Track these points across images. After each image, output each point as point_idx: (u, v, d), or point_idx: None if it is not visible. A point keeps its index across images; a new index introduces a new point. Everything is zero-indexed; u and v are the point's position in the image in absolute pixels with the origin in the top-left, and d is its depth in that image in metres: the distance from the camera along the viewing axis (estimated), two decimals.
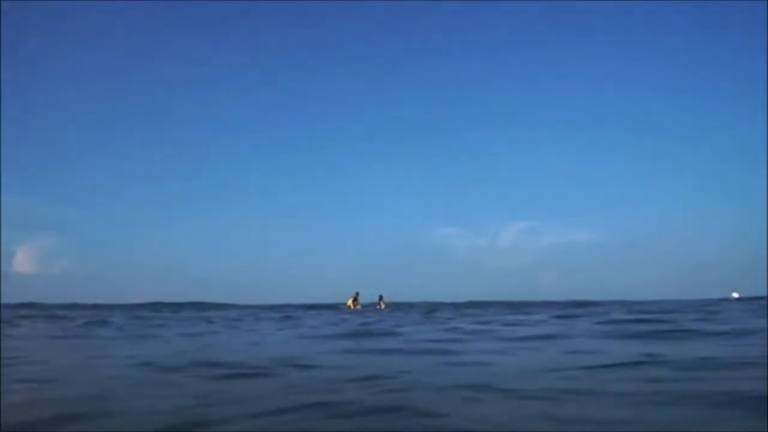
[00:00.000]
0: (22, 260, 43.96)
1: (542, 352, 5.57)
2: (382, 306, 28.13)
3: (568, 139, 53.98)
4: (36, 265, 45.57)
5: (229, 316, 17.22)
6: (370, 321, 12.94)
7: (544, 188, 53.05)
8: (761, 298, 30.32)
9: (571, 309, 20.28)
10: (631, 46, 52.98)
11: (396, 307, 29.57)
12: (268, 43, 57.35)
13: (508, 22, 55.06)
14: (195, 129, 58.57)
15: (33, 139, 54.65)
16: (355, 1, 56.29)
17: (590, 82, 53.30)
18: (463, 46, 56.74)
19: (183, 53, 57.74)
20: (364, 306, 28.54)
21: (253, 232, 53.10)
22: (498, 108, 56.15)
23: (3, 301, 32.89)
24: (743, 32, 49.67)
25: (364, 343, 7.20)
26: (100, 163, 56.41)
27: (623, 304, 27.59)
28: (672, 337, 6.88)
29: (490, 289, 52.10)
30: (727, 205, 46.70)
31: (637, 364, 4.10)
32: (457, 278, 44.84)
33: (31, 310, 26.28)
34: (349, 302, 28.83)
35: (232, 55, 57.43)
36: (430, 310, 22.94)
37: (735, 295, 33.31)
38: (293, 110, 56.33)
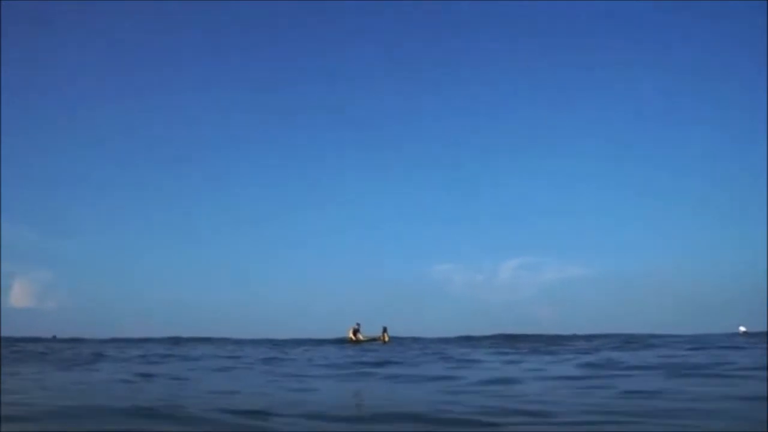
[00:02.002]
0: (18, 294, 42.33)
1: None
2: (386, 338, 27.07)
3: (564, 174, 53.66)
4: (32, 299, 43.92)
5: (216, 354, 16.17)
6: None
7: (541, 224, 52.31)
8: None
9: (613, 343, 19.52)
10: (625, 78, 53.19)
11: (397, 342, 28.45)
12: (275, 80, 56.96)
13: (502, 53, 55.22)
14: (194, 161, 57.62)
15: (27, 171, 53.28)
16: (354, 34, 56.38)
17: (587, 116, 53.44)
18: (458, 80, 56.82)
19: (185, 83, 57.22)
20: (366, 338, 27.47)
21: (244, 267, 51.75)
22: (495, 143, 55.83)
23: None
24: (736, 59, 50.19)
25: None
26: (98, 195, 55.12)
27: (637, 338, 26.80)
28: None
29: (491, 323, 50.81)
30: (730, 238, 46.41)
31: None
32: (455, 313, 43.75)
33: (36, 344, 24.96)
34: (350, 334, 27.70)
35: (237, 90, 57.01)
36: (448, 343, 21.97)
37: (742, 329, 32.68)
38: (285, 148, 55.68)
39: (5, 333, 33.75)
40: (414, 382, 6.82)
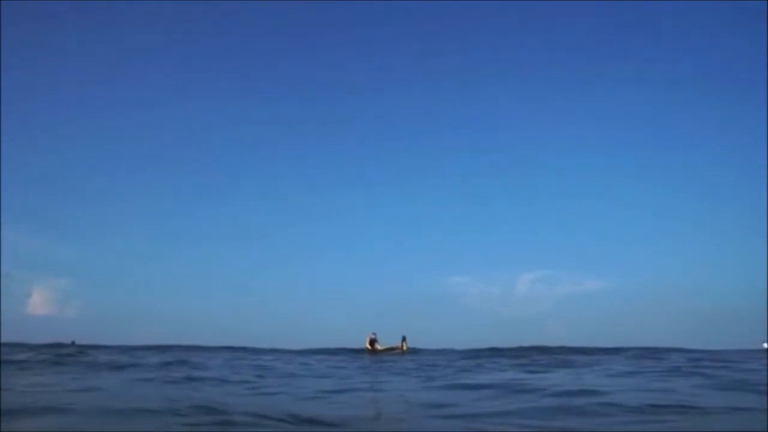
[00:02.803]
0: (37, 302, 42.97)
1: None
2: (404, 348, 26.33)
3: (581, 189, 52.49)
4: (51, 306, 44.52)
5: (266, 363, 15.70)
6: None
7: (557, 238, 51.28)
8: None
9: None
10: (642, 99, 52.19)
11: (416, 353, 27.65)
12: (285, 88, 56.98)
13: (522, 66, 54.43)
14: (211, 171, 57.86)
15: (45, 180, 54.10)
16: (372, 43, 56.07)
17: (602, 129, 52.28)
18: (477, 92, 56.13)
19: (196, 92, 57.66)
20: (384, 347, 26.73)
21: (257, 276, 51.61)
22: (512, 156, 54.95)
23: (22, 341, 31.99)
24: (742, 82, 48.85)
25: None
26: (113, 203, 55.67)
27: (660, 351, 25.61)
28: None
29: (510, 336, 49.79)
30: (746, 253, 44.88)
31: None
32: (469, 326, 42.88)
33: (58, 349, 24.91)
34: (368, 344, 26.94)
35: (246, 99, 57.22)
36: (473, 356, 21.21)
37: (766, 345, 31.47)
38: (295, 159, 55.49)
39: (24, 339, 34.20)
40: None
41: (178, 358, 15.36)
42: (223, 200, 56.46)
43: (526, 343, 30.69)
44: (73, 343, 35.39)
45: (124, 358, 15.98)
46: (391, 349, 26.41)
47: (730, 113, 50.26)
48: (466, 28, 53.90)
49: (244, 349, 30.52)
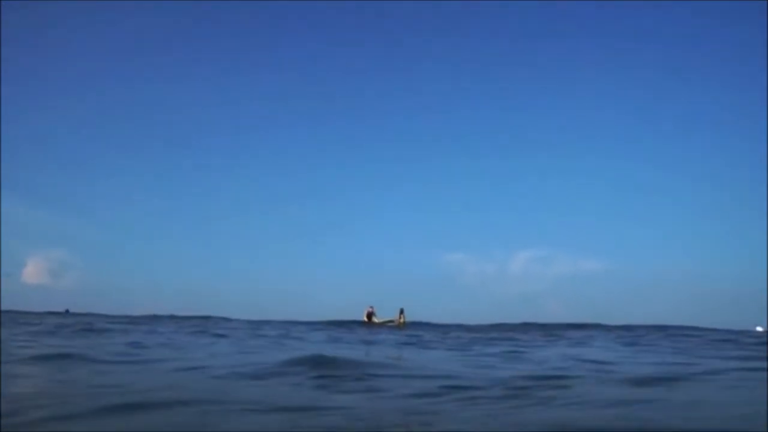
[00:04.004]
0: (32, 272, 42.85)
1: None
2: (402, 321, 25.51)
3: (581, 169, 51.14)
4: (46, 277, 44.40)
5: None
6: None
7: (553, 217, 50.26)
8: None
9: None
10: (646, 84, 50.44)
11: (414, 326, 26.85)
12: (289, 58, 55.39)
13: (519, 50, 52.60)
14: (212, 143, 56.77)
15: (40, 150, 53.33)
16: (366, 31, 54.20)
17: (600, 109, 50.55)
18: (472, 74, 54.38)
19: (200, 60, 56.25)
20: (381, 320, 25.99)
21: (258, 247, 51.02)
22: (509, 136, 53.55)
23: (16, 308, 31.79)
24: (743, 65, 47.03)
25: None
26: (112, 175, 54.93)
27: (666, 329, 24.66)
28: None
29: (505, 313, 49.35)
30: (743, 237, 43.77)
31: None
32: (466, 303, 42.28)
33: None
34: (365, 317, 26.36)
35: (254, 67, 55.77)
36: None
37: (759, 329, 30.44)
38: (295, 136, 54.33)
39: (17, 307, 33.98)
40: None
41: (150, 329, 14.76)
42: (223, 176, 55.67)
43: (526, 320, 30.08)
44: (66, 311, 35.05)
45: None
46: (389, 322, 25.65)
47: (732, 95, 48.59)
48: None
49: (249, 321, 29.91)
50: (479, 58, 55.02)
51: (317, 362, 4.88)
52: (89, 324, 15.19)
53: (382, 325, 25.09)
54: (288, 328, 18.68)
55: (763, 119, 42.73)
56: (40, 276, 43.62)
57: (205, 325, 18.64)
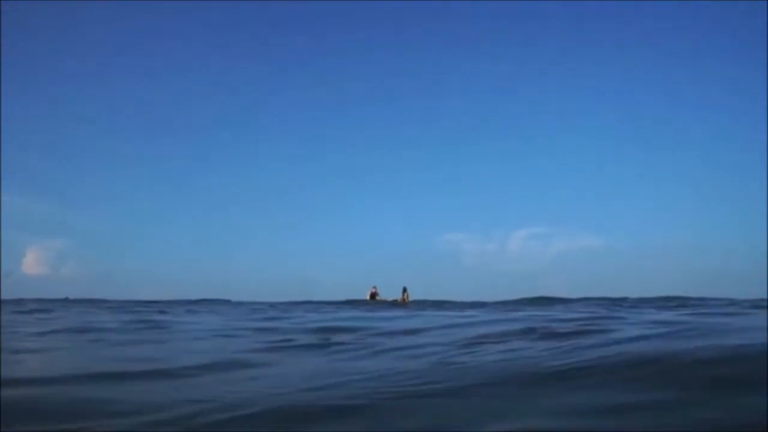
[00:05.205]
0: (31, 262, 42.60)
1: None
2: (406, 299, 25.18)
3: (573, 148, 50.51)
4: (45, 267, 44.17)
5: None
6: None
7: (551, 195, 49.79)
8: None
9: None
10: (641, 59, 49.46)
11: (418, 304, 26.53)
12: (282, 47, 54.39)
13: (515, 33, 51.60)
14: (208, 131, 56.04)
15: (40, 142, 52.66)
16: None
17: (596, 89, 49.63)
18: (468, 54, 53.39)
19: (194, 54, 55.25)
20: (384, 300, 25.70)
21: (259, 232, 50.59)
22: (506, 116, 52.94)
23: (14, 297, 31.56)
24: (740, 43, 46.04)
25: None
26: (110, 166, 54.31)
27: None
28: None
29: (506, 290, 49.35)
30: (750, 212, 43.38)
31: None
32: (467, 281, 42.05)
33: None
34: (368, 297, 26.11)
35: (245, 58, 54.72)
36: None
37: None
38: (292, 121, 53.60)
39: (17, 295, 33.76)
40: None
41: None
42: (223, 162, 55.03)
43: (529, 295, 29.90)
44: (66, 299, 34.86)
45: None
46: (393, 301, 25.35)
47: (732, 73, 47.66)
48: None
49: (253, 302, 29.60)
50: (474, 41, 54.16)
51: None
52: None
53: (385, 303, 24.83)
54: (299, 307, 18.34)
55: (763, 90, 42.02)
56: (40, 266, 43.37)
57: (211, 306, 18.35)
